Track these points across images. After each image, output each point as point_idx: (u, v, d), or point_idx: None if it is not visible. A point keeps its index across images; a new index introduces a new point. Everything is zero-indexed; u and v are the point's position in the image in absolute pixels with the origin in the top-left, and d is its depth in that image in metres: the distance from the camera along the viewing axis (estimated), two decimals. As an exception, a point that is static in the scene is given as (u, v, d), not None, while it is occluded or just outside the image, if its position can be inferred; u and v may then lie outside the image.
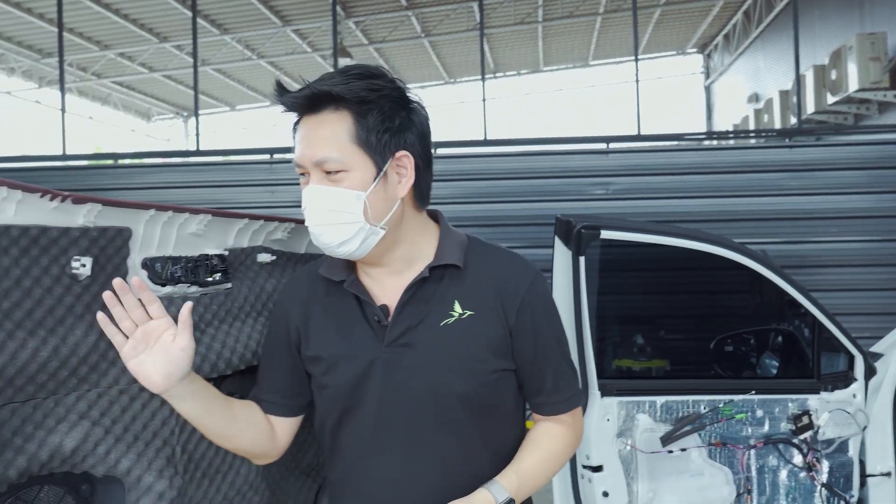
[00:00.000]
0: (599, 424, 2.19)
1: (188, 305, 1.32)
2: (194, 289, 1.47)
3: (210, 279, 1.49)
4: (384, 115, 1.24)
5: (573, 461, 2.20)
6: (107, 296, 1.27)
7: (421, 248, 1.34)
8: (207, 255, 1.49)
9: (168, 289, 1.43)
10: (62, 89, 9.20)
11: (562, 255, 2.16)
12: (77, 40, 12.86)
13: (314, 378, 1.39)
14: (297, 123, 1.31)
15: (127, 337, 1.28)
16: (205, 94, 16.94)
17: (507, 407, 1.37)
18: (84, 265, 1.26)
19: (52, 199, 1.20)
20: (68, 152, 8.71)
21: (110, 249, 1.31)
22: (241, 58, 14.63)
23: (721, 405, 2.23)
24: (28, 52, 13.50)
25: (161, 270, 1.42)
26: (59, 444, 1.25)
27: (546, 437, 1.38)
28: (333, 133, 1.24)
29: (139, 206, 1.35)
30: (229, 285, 1.54)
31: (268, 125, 19.66)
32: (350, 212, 1.23)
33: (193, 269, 1.46)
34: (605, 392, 2.19)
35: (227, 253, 1.55)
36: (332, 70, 1.48)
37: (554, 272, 2.18)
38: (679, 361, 3.61)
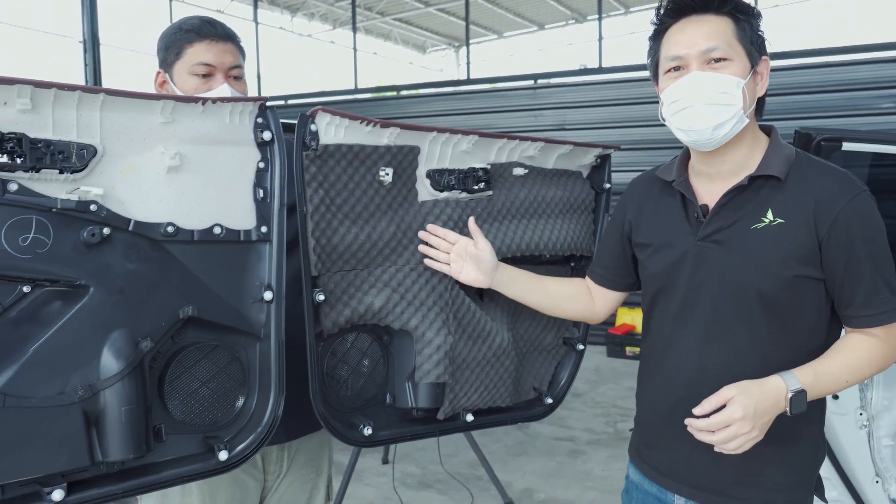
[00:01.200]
0: (834, 332, 2.28)
1: (472, 219, 1.75)
2: (464, 195, 1.84)
3: (476, 187, 1.84)
4: (757, 26, 1.44)
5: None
6: (423, 235, 1.71)
7: (749, 157, 1.46)
8: (474, 168, 1.84)
9: (444, 194, 1.83)
10: (354, 29, 10.29)
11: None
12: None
13: (641, 262, 1.63)
14: (667, 27, 1.47)
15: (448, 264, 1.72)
16: (475, 24, 17.59)
17: (807, 316, 1.41)
18: (387, 174, 1.70)
19: (367, 125, 1.65)
20: (358, 86, 9.80)
21: (405, 162, 1.74)
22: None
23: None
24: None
25: (439, 179, 1.83)
26: (371, 303, 1.70)
27: (853, 345, 1.41)
28: (721, 28, 1.41)
29: (425, 129, 1.76)
30: (490, 193, 1.90)
31: (533, 50, 19.92)
32: (732, 94, 1.38)
33: (464, 179, 1.83)
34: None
35: (489, 167, 1.90)
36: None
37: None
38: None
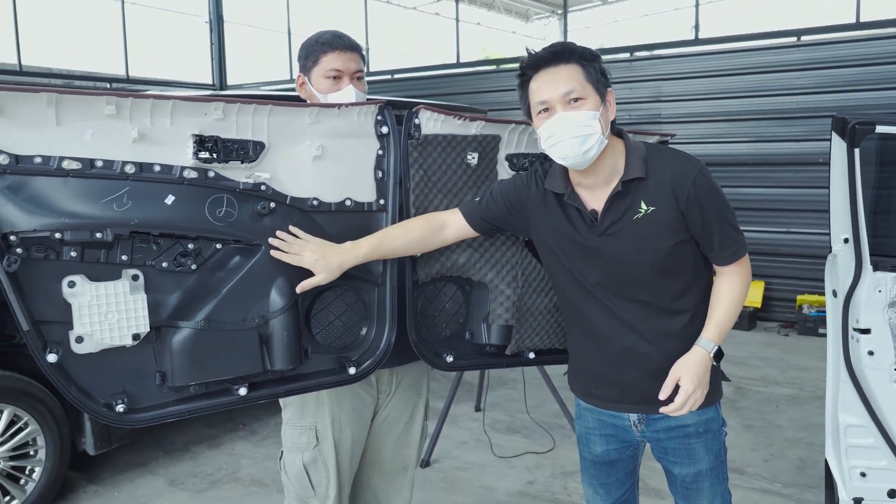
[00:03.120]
0: (870, 294, 2.55)
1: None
2: None
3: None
4: (598, 67, 1.80)
5: (844, 324, 2.61)
6: (276, 239, 1.86)
7: (616, 164, 1.85)
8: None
9: (522, 174, 2.26)
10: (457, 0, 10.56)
11: (838, 149, 2.50)
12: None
13: (545, 251, 1.99)
14: (529, 79, 1.83)
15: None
16: (578, -10, 17.47)
17: (687, 267, 1.88)
18: (474, 157, 2.12)
19: (458, 119, 2.09)
20: (460, 58, 10.13)
21: (488, 148, 2.16)
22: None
23: None
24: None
25: (516, 161, 2.24)
26: (456, 260, 2.13)
27: (726, 289, 1.89)
28: (572, 75, 1.78)
29: (505, 122, 2.18)
30: None
31: (637, 16, 19.58)
32: (591, 126, 1.75)
33: (536, 162, 2.24)
34: (878, 267, 2.54)
35: None
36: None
37: (832, 163, 2.54)
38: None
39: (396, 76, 10.57)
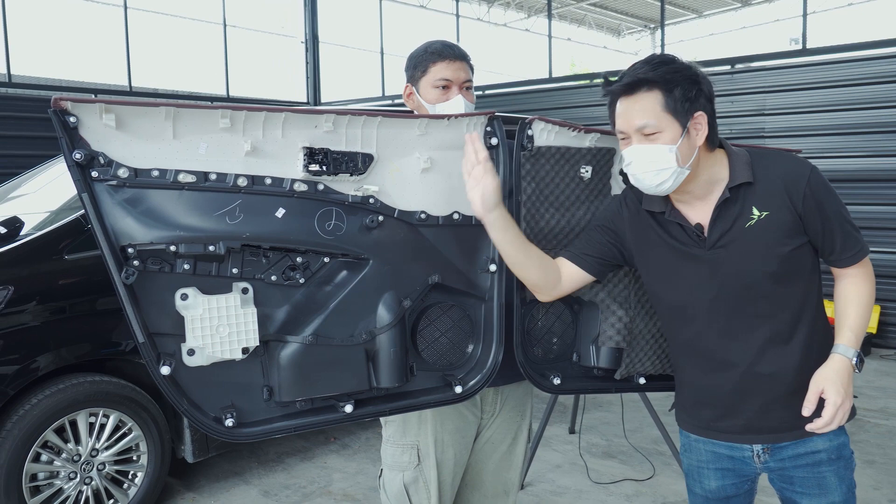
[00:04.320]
0: None
1: (485, 156, 1.78)
2: None
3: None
4: (684, 90, 1.67)
5: None
6: (467, 137, 1.81)
7: (715, 176, 1.74)
8: None
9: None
10: (549, 16, 10.55)
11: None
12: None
13: (651, 280, 1.87)
14: (614, 102, 1.74)
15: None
16: (672, 4, 17.17)
17: (804, 272, 1.76)
18: (587, 171, 2.03)
19: (573, 131, 2.00)
20: (553, 74, 10.05)
21: (602, 161, 2.06)
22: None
23: None
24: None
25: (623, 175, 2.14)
26: None
27: (853, 291, 1.77)
28: (649, 105, 1.67)
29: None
30: None
31: (734, 29, 19.01)
32: (665, 160, 1.66)
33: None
34: None
35: None
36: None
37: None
38: None
39: (488, 92, 10.56)
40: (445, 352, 1.96)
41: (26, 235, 3.17)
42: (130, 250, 1.59)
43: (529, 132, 1.95)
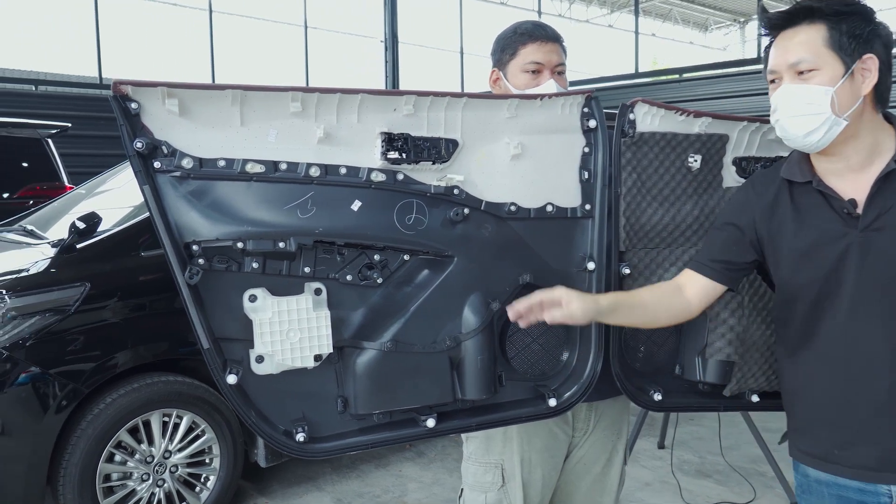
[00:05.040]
0: None
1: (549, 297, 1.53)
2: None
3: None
4: (854, 25, 1.43)
5: None
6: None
7: (879, 145, 1.49)
8: (782, 156, 1.88)
9: (738, 191, 1.89)
10: (636, 10, 10.20)
11: None
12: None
13: (782, 270, 1.58)
14: (772, 41, 1.52)
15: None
16: (763, -3, 16.42)
17: None
18: (696, 161, 1.81)
19: (680, 115, 1.78)
20: (639, 69, 9.71)
21: (713, 150, 1.83)
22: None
23: None
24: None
25: (746, 166, 1.87)
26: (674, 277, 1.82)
27: None
28: (811, 39, 1.45)
29: (735, 119, 1.83)
30: None
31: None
32: (818, 104, 1.43)
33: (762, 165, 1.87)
34: None
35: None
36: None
37: None
38: None
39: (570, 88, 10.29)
40: (538, 360, 1.77)
41: (103, 231, 3.14)
42: (195, 247, 1.47)
43: (631, 116, 1.75)
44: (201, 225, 1.47)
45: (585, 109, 1.73)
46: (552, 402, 1.75)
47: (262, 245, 1.50)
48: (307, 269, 1.56)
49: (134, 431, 3.15)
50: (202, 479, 3.39)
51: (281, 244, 1.50)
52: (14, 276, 2.94)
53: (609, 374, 1.79)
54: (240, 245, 1.49)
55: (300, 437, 1.58)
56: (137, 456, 3.16)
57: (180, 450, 3.29)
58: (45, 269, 2.95)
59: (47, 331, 2.86)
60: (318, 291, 1.57)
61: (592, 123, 1.73)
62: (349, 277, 1.59)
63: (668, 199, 1.80)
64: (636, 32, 10.16)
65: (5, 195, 5.89)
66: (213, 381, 3.24)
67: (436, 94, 1.58)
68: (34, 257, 3.07)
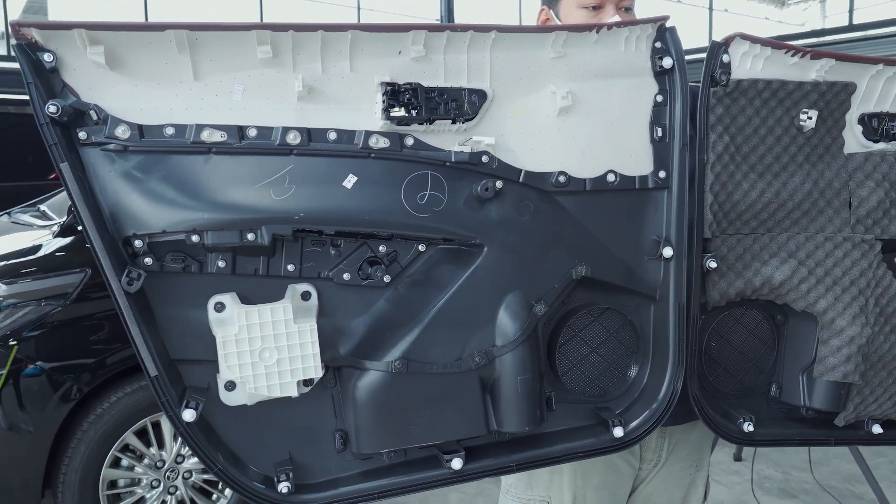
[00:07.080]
0: None
1: None
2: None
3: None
4: None
5: None
6: None
7: None
8: None
9: (880, 145, 1.45)
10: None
11: None
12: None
13: None
14: None
15: None
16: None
17: None
18: (810, 118, 1.39)
19: (793, 55, 1.34)
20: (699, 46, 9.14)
21: (834, 103, 1.41)
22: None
23: None
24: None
25: (878, 126, 1.45)
26: (770, 276, 1.44)
27: None
28: None
29: (866, 61, 1.39)
30: None
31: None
32: None
33: None
34: None
35: None
36: None
37: None
38: None
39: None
40: (598, 376, 1.44)
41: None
42: (137, 243, 1.16)
43: (725, 58, 1.35)
44: (144, 212, 1.15)
45: (658, 44, 1.35)
46: (617, 433, 1.40)
47: (224, 237, 1.17)
48: (291, 268, 1.24)
49: (142, 434, 2.91)
50: (219, 487, 3.12)
51: (250, 235, 1.18)
52: (7, 261, 2.70)
53: (684, 396, 1.42)
54: (195, 238, 1.16)
55: (283, 486, 1.25)
56: (146, 461, 2.93)
57: (193, 456, 3.00)
58: (42, 254, 2.72)
59: (43, 321, 2.62)
60: (305, 295, 1.24)
61: (668, 63, 1.34)
62: (347, 276, 1.27)
63: (772, 168, 1.41)
64: (710, 9, 9.52)
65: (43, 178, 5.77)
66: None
67: (453, 29, 1.21)
68: (33, 240, 2.85)
